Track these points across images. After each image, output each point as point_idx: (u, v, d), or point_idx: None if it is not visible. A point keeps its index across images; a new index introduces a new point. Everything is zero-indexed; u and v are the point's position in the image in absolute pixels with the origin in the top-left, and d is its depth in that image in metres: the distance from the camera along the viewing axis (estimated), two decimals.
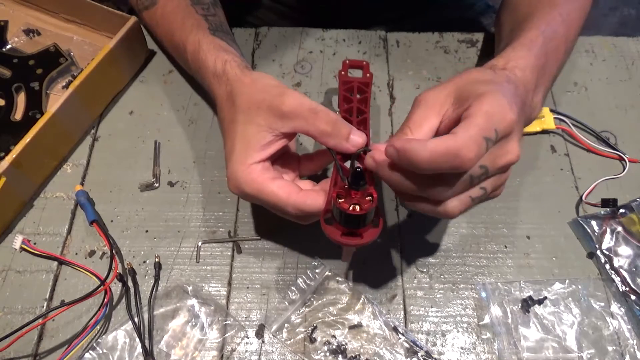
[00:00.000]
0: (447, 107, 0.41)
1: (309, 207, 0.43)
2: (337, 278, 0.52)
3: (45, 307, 0.50)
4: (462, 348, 0.49)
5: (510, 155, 0.39)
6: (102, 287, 0.49)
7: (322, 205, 0.43)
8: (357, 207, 0.40)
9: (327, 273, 0.52)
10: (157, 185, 0.57)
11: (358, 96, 0.53)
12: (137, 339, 0.48)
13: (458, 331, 0.50)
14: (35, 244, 0.53)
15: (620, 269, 0.52)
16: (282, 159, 0.48)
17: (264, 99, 0.44)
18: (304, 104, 0.43)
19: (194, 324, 0.49)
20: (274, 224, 0.53)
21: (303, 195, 0.43)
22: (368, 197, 0.41)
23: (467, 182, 0.38)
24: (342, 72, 0.56)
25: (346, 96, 0.53)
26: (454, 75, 0.43)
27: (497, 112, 0.37)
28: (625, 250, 0.53)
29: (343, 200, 0.41)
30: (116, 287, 0.51)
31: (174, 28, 0.58)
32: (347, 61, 0.57)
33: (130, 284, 0.51)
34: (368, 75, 0.55)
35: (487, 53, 0.68)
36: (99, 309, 0.49)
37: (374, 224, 0.41)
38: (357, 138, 0.43)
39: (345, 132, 0.43)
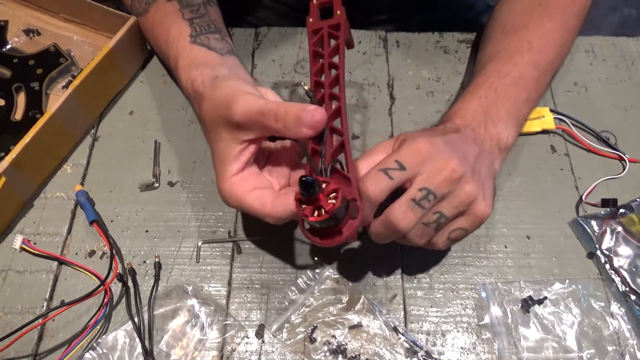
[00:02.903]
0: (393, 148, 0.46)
1: (283, 214, 0.42)
2: (337, 278, 0.52)
3: (45, 307, 0.50)
4: (462, 348, 0.49)
5: (445, 172, 0.42)
6: (102, 287, 0.49)
7: (293, 210, 0.40)
8: (322, 211, 0.37)
9: (327, 273, 0.52)
10: (157, 185, 0.57)
11: (333, 41, 0.45)
12: (137, 339, 0.48)
13: (458, 331, 0.50)
14: (35, 244, 0.53)
15: (620, 269, 0.52)
16: (277, 152, 0.48)
17: (220, 114, 0.44)
18: (251, 109, 0.42)
19: (194, 324, 0.49)
20: (274, 225, 0.53)
21: (275, 203, 0.43)
22: (332, 194, 0.38)
23: (410, 205, 0.41)
24: (310, 20, 0.46)
25: (317, 52, 0.45)
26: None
27: (403, 149, 0.43)
28: (625, 250, 0.53)
29: (305, 206, 0.38)
30: (116, 287, 0.51)
31: (161, 41, 0.58)
32: (315, 1, 0.46)
33: (130, 284, 0.51)
34: (338, 13, 0.45)
35: None
36: (99, 309, 0.49)
37: (352, 216, 0.39)
38: (308, 118, 0.40)
39: (295, 119, 0.40)
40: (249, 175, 0.45)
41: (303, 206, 0.38)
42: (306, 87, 0.43)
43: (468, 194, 0.42)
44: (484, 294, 0.51)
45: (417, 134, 0.45)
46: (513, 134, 0.51)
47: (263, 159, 0.48)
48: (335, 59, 0.45)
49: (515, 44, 0.56)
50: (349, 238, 0.39)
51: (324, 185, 0.38)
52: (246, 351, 0.48)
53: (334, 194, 0.38)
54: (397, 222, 0.41)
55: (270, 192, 0.44)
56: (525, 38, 0.56)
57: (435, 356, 0.48)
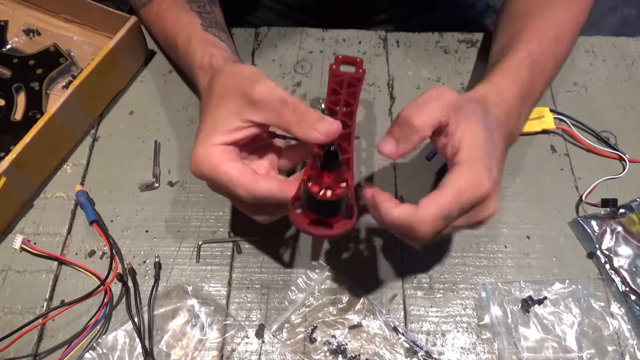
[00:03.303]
0: (452, 126, 0.42)
1: (259, 191, 0.40)
2: (337, 278, 0.52)
3: (45, 307, 0.50)
4: (462, 348, 0.49)
5: (486, 213, 0.41)
6: (102, 287, 0.49)
7: (273, 190, 0.40)
8: (329, 192, 0.37)
9: (327, 273, 0.52)
10: (157, 185, 0.57)
11: (350, 89, 0.50)
12: (137, 339, 0.48)
13: (458, 331, 0.50)
14: (35, 244, 0.53)
15: (620, 269, 0.52)
16: (261, 150, 0.48)
17: (238, 85, 0.43)
18: (274, 93, 0.41)
19: (194, 324, 0.49)
20: (274, 224, 0.53)
21: (257, 177, 0.41)
22: (342, 183, 0.37)
23: (446, 227, 0.41)
24: (334, 66, 0.53)
25: (335, 89, 0.50)
26: (457, 95, 0.43)
27: (470, 187, 0.40)
28: (625, 250, 0.53)
29: (313, 183, 0.37)
30: (116, 287, 0.51)
31: (167, 25, 0.58)
32: (340, 56, 0.53)
33: (130, 284, 0.51)
34: (360, 71, 0.51)
35: (487, 53, 0.68)
36: (99, 309, 0.49)
37: (347, 215, 0.38)
38: (325, 125, 0.40)
39: (313, 121, 0.40)
40: (232, 151, 0.43)
41: (310, 183, 0.37)
42: (323, 106, 0.44)
43: (487, 218, 0.42)
44: (484, 294, 0.51)
45: (475, 134, 0.41)
46: (521, 131, 0.51)
47: (247, 152, 0.47)
48: (351, 99, 0.48)
49: (540, 27, 0.54)
50: (337, 237, 0.39)
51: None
52: (246, 351, 0.48)
53: (344, 183, 0.37)
54: (420, 232, 0.39)
55: (250, 169, 0.43)
56: (549, 22, 0.54)
57: (435, 356, 0.48)
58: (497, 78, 0.49)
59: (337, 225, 0.38)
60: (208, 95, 0.46)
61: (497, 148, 0.43)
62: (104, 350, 0.47)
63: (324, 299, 0.51)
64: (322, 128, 0.40)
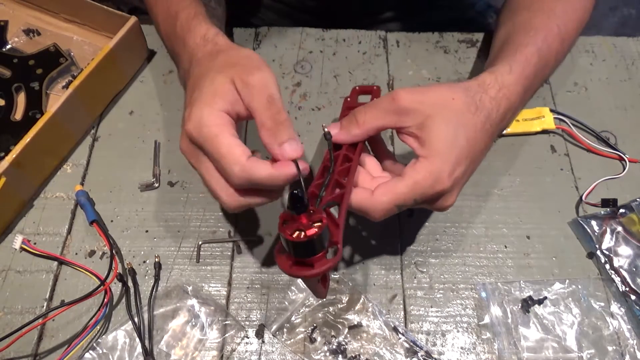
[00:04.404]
0: (410, 125, 0.43)
1: (258, 174, 0.39)
2: (337, 278, 0.52)
3: (45, 307, 0.50)
4: (462, 348, 0.49)
5: (440, 205, 0.44)
6: (102, 287, 0.49)
7: (272, 173, 0.39)
8: (302, 234, 0.36)
9: None
10: (157, 185, 0.57)
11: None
12: (137, 339, 0.48)
13: (458, 331, 0.50)
14: (35, 244, 0.53)
15: (620, 269, 0.52)
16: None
17: (241, 61, 0.44)
18: (268, 88, 0.41)
19: (194, 324, 0.49)
20: (274, 224, 0.53)
21: (255, 160, 0.40)
22: (317, 223, 0.36)
23: (395, 211, 0.43)
24: (348, 99, 0.52)
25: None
26: (437, 86, 0.44)
27: (428, 182, 0.41)
28: (625, 250, 0.53)
29: (287, 225, 0.37)
30: (116, 287, 0.51)
31: (173, 2, 0.56)
32: (357, 87, 0.53)
33: (130, 284, 0.51)
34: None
35: (487, 53, 0.68)
36: (99, 309, 0.49)
37: (332, 253, 0.37)
38: (289, 150, 0.40)
39: (282, 137, 0.40)
40: (233, 125, 0.42)
41: (284, 225, 0.37)
42: (326, 129, 0.44)
43: (441, 209, 0.45)
44: (484, 294, 0.51)
45: (448, 141, 0.42)
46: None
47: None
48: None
49: (545, 22, 0.54)
50: (319, 275, 0.37)
51: (311, 210, 0.37)
52: (246, 351, 0.48)
53: (319, 223, 0.37)
54: (373, 216, 0.42)
55: (248, 151, 0.41)
56: (554, 18, 0.54)
57: (435, 356, 0.48)
58: (504, 70, 0.48)
59: (318, 264, 0.37)
60: (208, 64, 0.45)
61: (474, 146, 0.44)
62: (104, 350, 0.47)
63: (324, 299, 0.51)
64: (285, 150, 0.40)
